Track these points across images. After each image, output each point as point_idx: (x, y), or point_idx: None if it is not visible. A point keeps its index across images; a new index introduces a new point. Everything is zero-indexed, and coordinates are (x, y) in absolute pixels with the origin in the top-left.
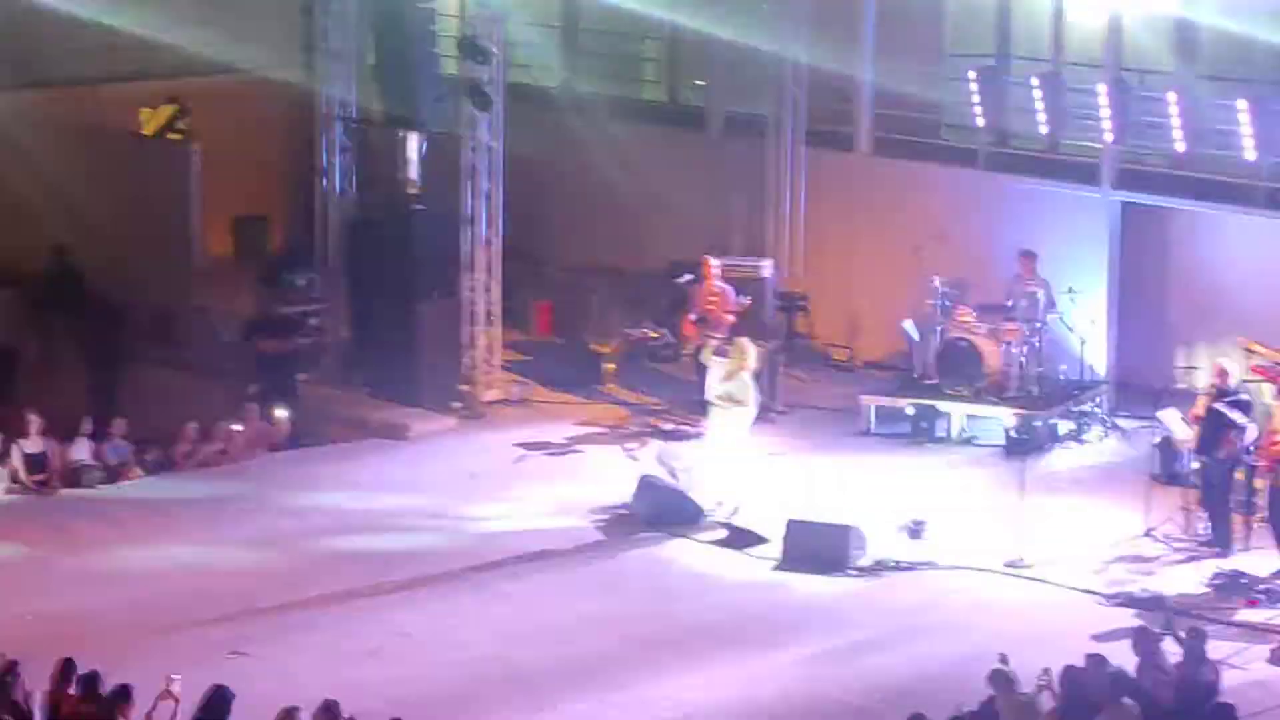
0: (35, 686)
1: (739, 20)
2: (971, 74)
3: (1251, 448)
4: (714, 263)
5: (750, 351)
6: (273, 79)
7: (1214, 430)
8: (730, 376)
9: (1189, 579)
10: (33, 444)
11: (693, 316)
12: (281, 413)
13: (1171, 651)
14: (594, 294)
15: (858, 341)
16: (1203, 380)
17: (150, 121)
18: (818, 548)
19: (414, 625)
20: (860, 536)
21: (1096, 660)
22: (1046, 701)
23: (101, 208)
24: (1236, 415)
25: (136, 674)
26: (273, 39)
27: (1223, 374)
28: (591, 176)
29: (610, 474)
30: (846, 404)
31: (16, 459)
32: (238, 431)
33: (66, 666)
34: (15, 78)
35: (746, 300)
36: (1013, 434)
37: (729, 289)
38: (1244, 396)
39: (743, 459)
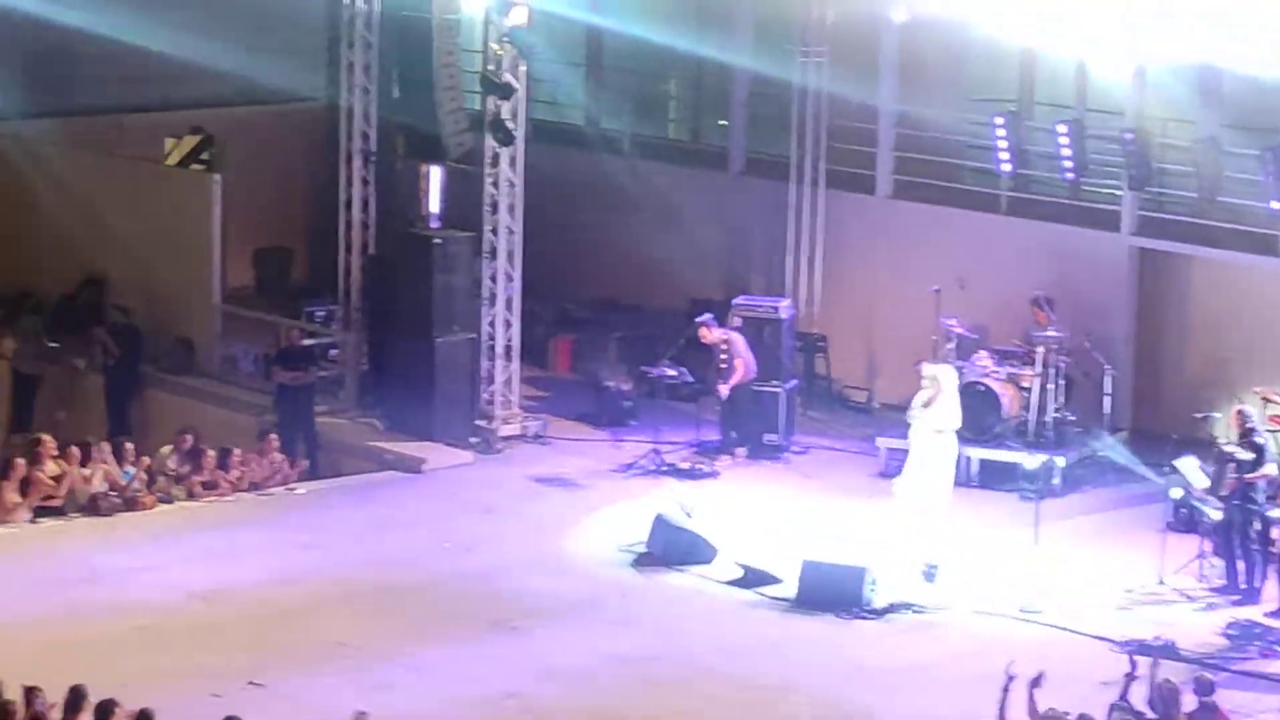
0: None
1: (763, 61)
2: (996, 120)
3: (1267, 493)
4: (706, 318)
5: (944, 375)
6: (297, 111)
7: (1224, 471)
8: (929, 404)
9: (1203, 627)
10: (50, 469)
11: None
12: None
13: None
14: (613, 331)
15: (876, 383)
16: (1220, 428)
17: (175, 151)
18: (832, 589)
19: (428, 660)
20: (875, 578)
21: (1122, 710)
22: None
23: (126, 236)
24: (1242, 453)
25: (149, 702)
26: (298, 71)
27: (1242, 417)
28: (613, 214)
29: (626, 512)
30: (863, 446)
31: (38, 485)
32: (256, 461)
33: (76, 695)
34: (45, 105)
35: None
36: (1029, 479)
37: (733, 335)
38: (1259, 440)
39: (938, 496)
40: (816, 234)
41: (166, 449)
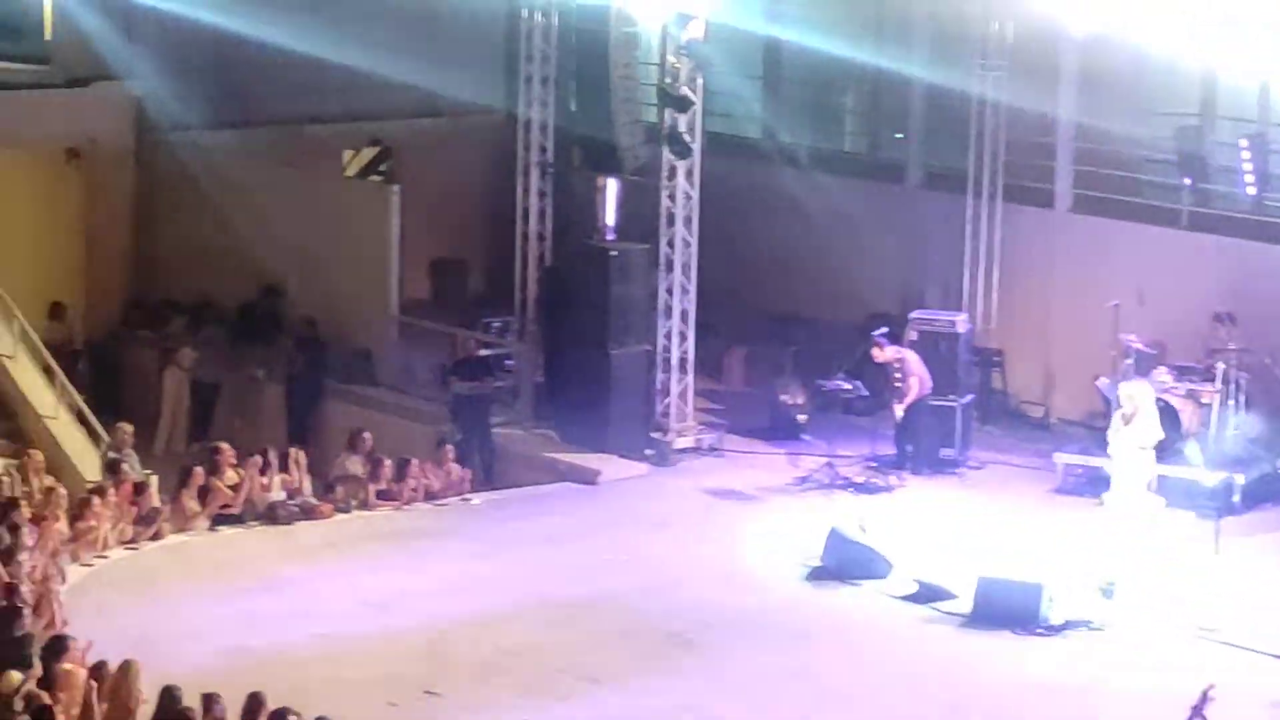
0: None
1: (941, 74)
2: (1176, 133)
3: None
4: (879, 335)
5: (1141, 392)
6: (475, 123)
7: None
8: (1128, 421)
9: None
10: (229, 478)
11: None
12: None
13: None
14: (789, 344)
15: (1053, 398)
16: None
17: (353, 162)
18: (1008, 605)
19: (602, 672)
20: (1052, 595)
21: None
22: None
23: (305, 247)
24: None
25: (325, 710)
26: (477, 83)
27: None
28: (789, 226)
29: (800, 525)
30: (1040, 461)
31: (217, 494)
32: (432, 471)
33: (253, 702)
34: (226, 116)
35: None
36: (1208, 496)
37: (906, 353)
38: None
39: (1143, 512)
40: (994, 248)
41: (345, 455)
